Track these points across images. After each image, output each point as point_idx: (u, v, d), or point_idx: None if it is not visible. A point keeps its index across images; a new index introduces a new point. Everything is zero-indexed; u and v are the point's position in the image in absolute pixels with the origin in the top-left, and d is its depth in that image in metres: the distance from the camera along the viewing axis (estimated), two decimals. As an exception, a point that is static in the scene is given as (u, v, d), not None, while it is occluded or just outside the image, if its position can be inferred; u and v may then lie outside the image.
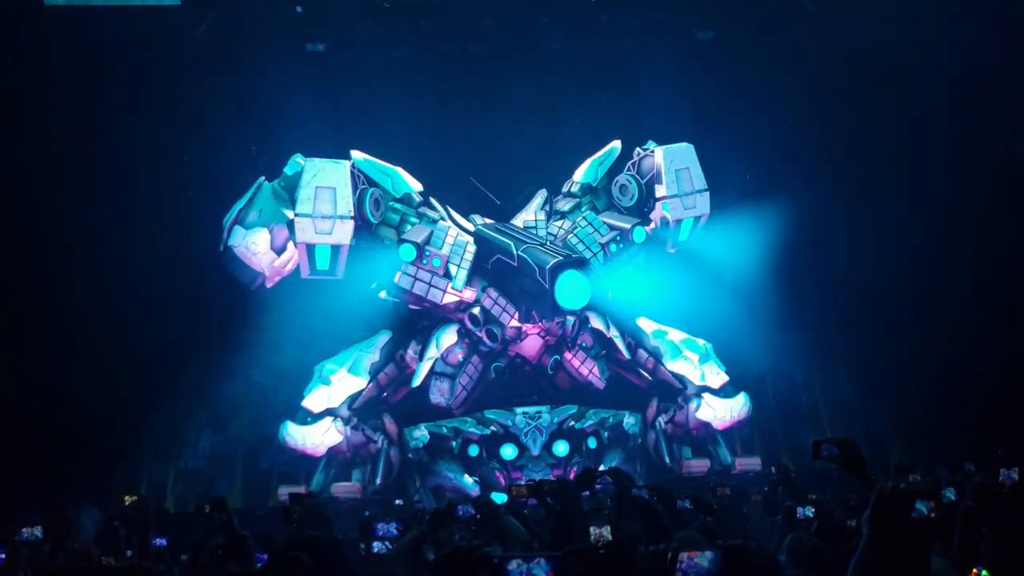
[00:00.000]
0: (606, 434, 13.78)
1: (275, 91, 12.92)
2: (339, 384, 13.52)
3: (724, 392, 14.16)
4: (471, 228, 13.96)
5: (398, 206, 13.76)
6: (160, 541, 6.85)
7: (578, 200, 14.72)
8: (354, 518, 9.19)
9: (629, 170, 14.39)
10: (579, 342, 14.16)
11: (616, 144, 14.54)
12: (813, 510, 6.35)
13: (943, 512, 4.47)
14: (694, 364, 14.18)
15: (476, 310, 13.53)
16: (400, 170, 13.85)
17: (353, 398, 13.57)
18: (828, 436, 3.51)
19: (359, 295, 13.38)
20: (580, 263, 13.01)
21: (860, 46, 12.94)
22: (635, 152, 14.36)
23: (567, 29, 14.36)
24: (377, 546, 5.88)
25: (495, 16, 14.02)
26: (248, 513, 11.57)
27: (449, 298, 13.40)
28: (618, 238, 13.98)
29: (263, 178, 13.26)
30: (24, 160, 12.08)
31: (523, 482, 8.08)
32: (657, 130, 14.29)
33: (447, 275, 13.28)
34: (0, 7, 12.06)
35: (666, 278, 14.13)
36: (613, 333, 14.19)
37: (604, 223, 14.15)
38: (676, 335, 14.44)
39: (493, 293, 13.43)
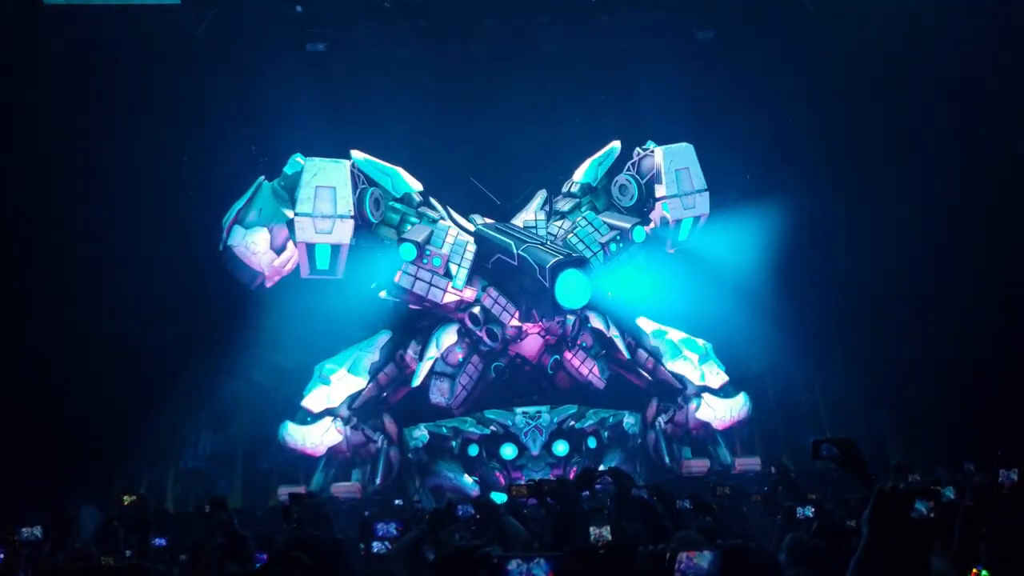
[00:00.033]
0: (606, 434, 13.78)
1: (275, 91, 12.91)
2: (339, 384, 13.51)
3: (724, 392, 14.15)
4: (471, 228, 13.96)
5: (398, 206, 13.76)
6: (160, 541, 6.82)
7: (578, 200, 14.72)
8: (354, 518, 9.17)
9: (629, 170, 14.40)
10: (579, 342, 14.15)
11: (616, 144, 14.54)
12: (813, 510, 6.32)
13: (943, 512, 4.46)
14: (694, 364, 14.17)
15: (476, 309, 13.53)
16: (400, 170, 13.85)
17: (353, 398, 13.56)
18: (828, 436, 3.50)
19: (359, 295, 13.38)
20: (580, 262, 13.01)
21: (860, 46, 12.95)
22: (635, 152, 14.36)
23: (567, 29, 14.34)
24: (377, 546, 5.86)
25: (495, 16, 14.01)
26: (248, 513, 11.55)
27: (449, 297, 13.40)
28: (618, 238, 13.99)
29: (263, 178, 13.26)
30: (24, 160, 12.08)
31: (523, 482, 8.09)
32: (657, 130, 14.30)
33: (447, 274, 13.28)
34: (0, 7, 12.06)
35: (666, 278, 14.13)
36: (613, 333, 14.18)
37: (604, 223, 14.16)
38: (676, 335, 14.43)
39: (493, 292, 13.43)
